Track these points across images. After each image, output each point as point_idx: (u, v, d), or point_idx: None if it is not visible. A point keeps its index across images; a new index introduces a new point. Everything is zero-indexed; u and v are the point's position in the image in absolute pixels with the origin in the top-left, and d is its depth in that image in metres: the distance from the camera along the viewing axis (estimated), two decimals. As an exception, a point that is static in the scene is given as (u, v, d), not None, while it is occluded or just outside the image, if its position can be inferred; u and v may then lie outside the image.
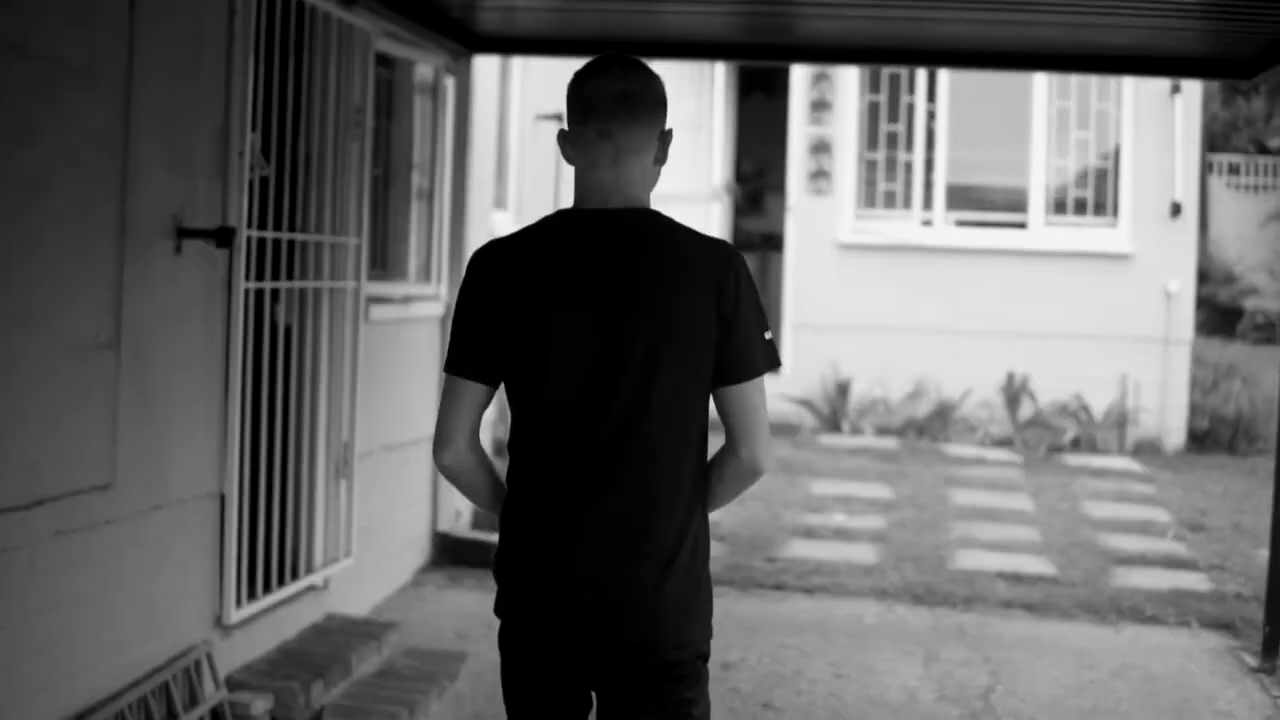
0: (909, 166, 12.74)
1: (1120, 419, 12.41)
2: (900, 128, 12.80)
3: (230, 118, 5.20)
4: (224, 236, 4.85)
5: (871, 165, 12.88)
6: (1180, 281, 12.46)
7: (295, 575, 6.16)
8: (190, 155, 5.04)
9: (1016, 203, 12.83)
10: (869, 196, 12.91)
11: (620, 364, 2.95)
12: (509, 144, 9.88)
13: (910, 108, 12.76)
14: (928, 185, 12.76)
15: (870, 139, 12.86)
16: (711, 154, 12.52)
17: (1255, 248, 19.51)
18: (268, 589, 5.86)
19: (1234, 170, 20.03)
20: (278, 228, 5.78)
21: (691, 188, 12.39)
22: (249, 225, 5.46)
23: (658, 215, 3.06)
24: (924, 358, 12.56)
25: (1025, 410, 12.50)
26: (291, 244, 6.00)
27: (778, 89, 13.37)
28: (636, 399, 2.95)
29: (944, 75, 12.64)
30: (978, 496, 10.24)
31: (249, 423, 5.63)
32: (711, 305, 2.96)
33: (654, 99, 3.05)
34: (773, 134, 13.24)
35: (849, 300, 12.58)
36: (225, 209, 5.17)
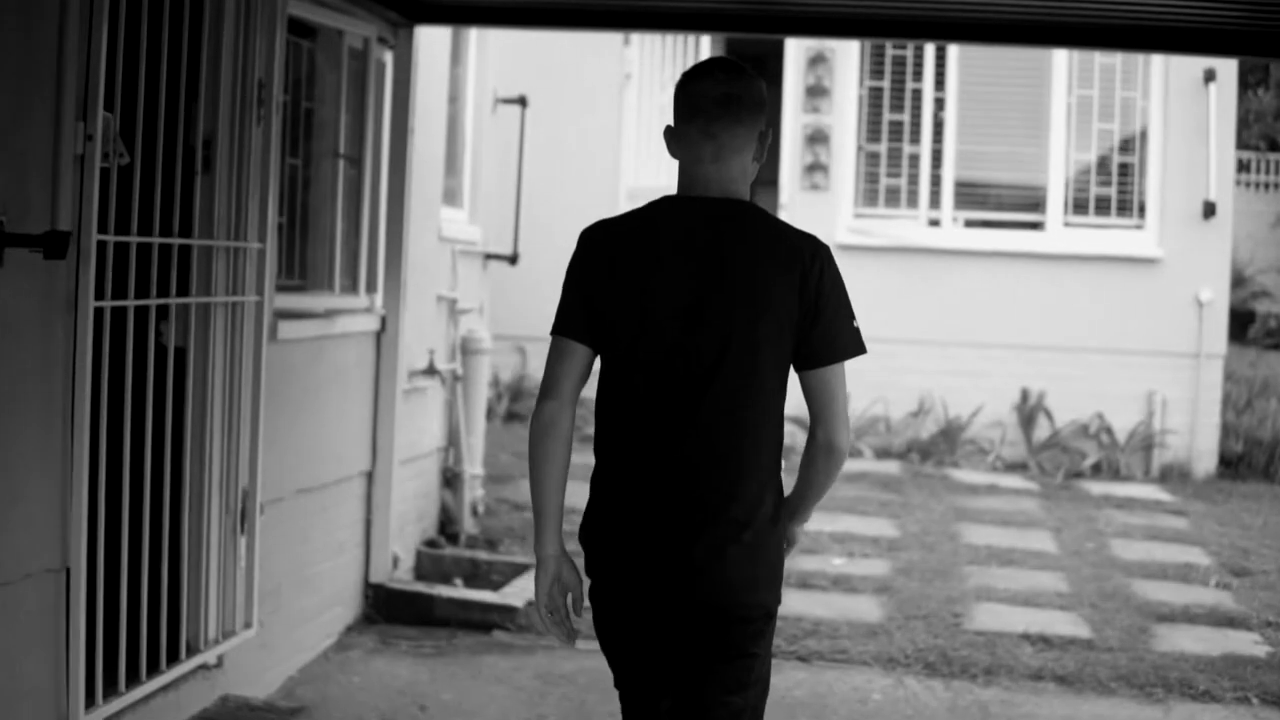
0: (914, 160, 11.68)
1: (1146, 441, 11.41)
2: (905, 117, 11.75)
3: (64, 94, 4.13)
4: (55, 244, 3.79)
5: (873, 158, 11.83)
6: (1213, 289, 11.45)
7: (178, 656, 5.11)
8: (9, 142, 3.97)
9: (1032, 201, 11.80)
10: (870, 193, 11.86)
11: (709, 342, 3.31)
12: (463, 131, 8.84)
13: (916, 95, 11.70)
14: (935, 181, 11.70)
15: (872, 129, 11.82)
16: None
17: (1266, 248, 18.67)
18: (137, 677, 4.81)
19: (1244, 167, 19.14)
20: (149, 231, 4.72)
21: (672, 183, 11.31)
22: (105, 229, 4.40)
23: (753, 206, 3.42)
24: (929, 372, 11.54)
25: (1041, 431, 11.48)
26: (181, 250, 4.96)
27: (771, 75, 12.30)
28: (722, 375, 3.31)
29: (953, 58, 11.60)
30: (992, 534, 9.21)
31: (117, 473, 4.59)
32: (797, 292, 3.33)
33: (754, 102, 3.41)
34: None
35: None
36: (55, 209, 4.09)
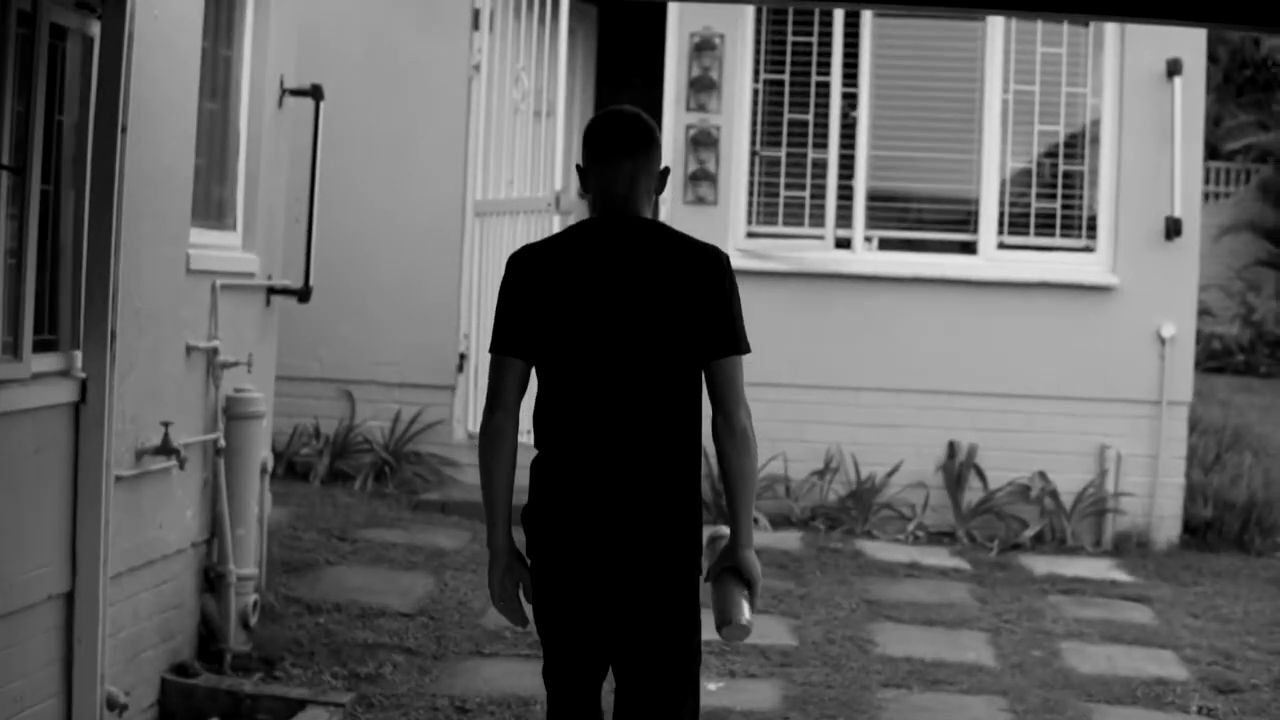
0: (820, 167, 9.94)
1: (1097, 506, 9.76)
2: (809, 116, 10.02)
3: None
4: None
5: (771, 165, 10.10)
6: (1177, 324, 9.84)
7: None
8: None
9: (961, 217, 10.14)
10: (767, 207, 10.13)
11: (634, 346, 4.02)
12: (236, 130, 7.01)
13: (823, 90, 9.97)
14: (844, 193, 9.98)
15: (770, 131, 10.09)
16: (554, 151, 9.65)
17: (1208, 263, 17.07)
18: None
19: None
20: None
21: (531, 194, 9.56)
22: None
23: (661, 224, 4.27)
24: (837, 423, 9.85)
25: (972, 493, 9.81)
26: None
27: (649, 66, 10.56)
28: (647, 373, 4.02)
29: (866, 45, 9.94)
30: (915, 639, 7.52)
31: None
32: (704, 296, 4.04)
33: (656, 142, 4.20)
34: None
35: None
36: None
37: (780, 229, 10.02)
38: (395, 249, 10.06)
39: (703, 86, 9.84)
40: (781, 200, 10.04)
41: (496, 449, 4.03)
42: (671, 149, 9.80)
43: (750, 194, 10.08)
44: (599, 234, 4.13)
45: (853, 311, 9.87)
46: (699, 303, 4.03)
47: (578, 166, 4.22)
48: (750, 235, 10.04)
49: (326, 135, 7.93)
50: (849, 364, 9.85)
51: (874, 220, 10.08)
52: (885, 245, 10.12)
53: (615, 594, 4.02)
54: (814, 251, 9.90)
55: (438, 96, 10.03)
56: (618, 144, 4.14)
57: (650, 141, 4.17)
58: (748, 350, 4.09)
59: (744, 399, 4.08)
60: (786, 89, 10.02)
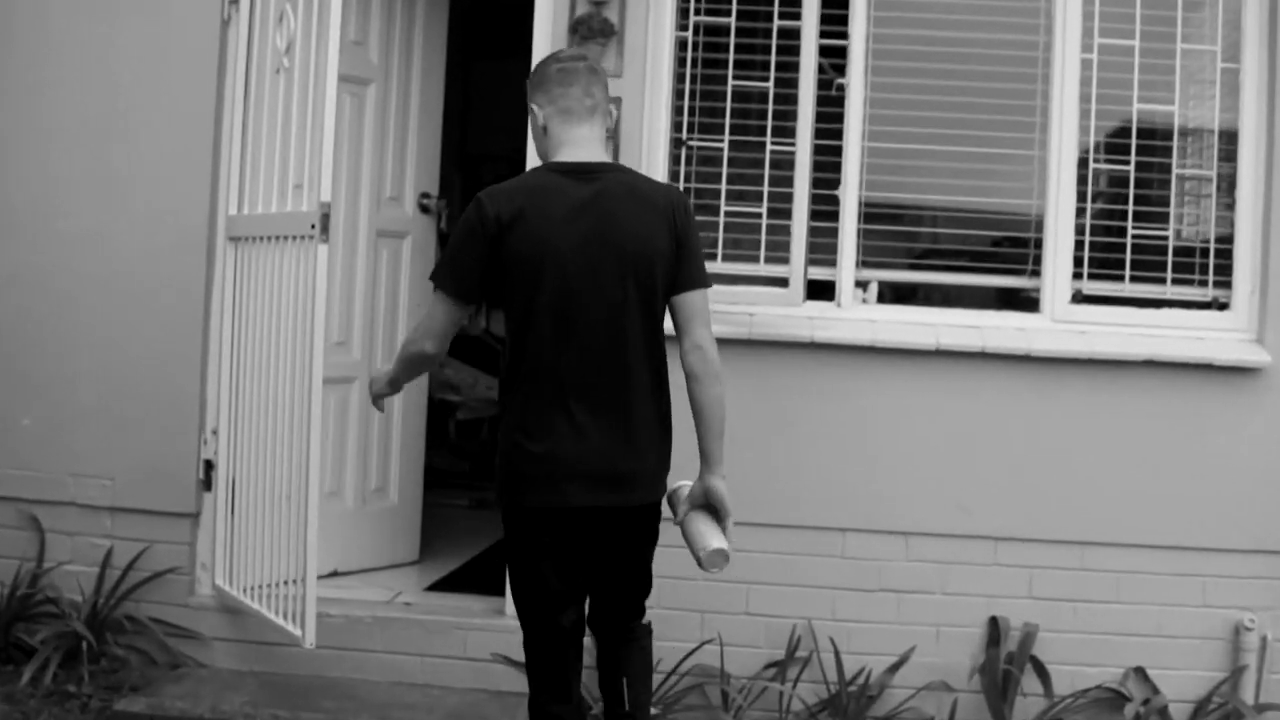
0: (785, 169, 6.22)
1: (1231, 725, 6.08)
2: (768, 85, 6.32)
3: None
4: None
5: (706, 164, 6.42)
6: (1365, 430, 6.12)
7: None
8: None
9: (1015, 252, 6.43)
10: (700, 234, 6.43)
11: (610, 282, 4.25)
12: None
13: (789, 41, 6.27)
14: (824, 211, 6.30)
15: (704, 109, 6.41)
16: (321, 137, 5.80)
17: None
18: None
19: None
20: None
21: (292, 209, 5.82)
22: None
23: (622, 166, 4.49)
24: (809, 585, 6.24)
25: (1030, 703, 6.15)
26: None
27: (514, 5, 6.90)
28: (625, 308, 4.27)
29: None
30: None
31: None
32: (669, 234, 4.34)
33: (603, 72, 4.52)
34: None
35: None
36: None
37: (718, 268, 6.30)
38: (106, 295, 6.44)
39: (592, 33, 6.14)
40: (721, 221, 6.33)
41: (415, 373, 4.70)
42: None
43: (670, 211, 6.37)
44: (568, 176, 4.31)
45: (835, 402, 6.19)
46: (668, 242, 4.34)
47: (533, 110, 4.44)
48: (669, 278, 6.34)
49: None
50: (827, 490, 6.18)
51: (871, 255, 6.39)
52: (890, 295, 6.42)
53: (610, 530, 4.40)
54: (773, 306, 6.20)
55: (171, 51, 6.36)
56: (583, 73, 4.42)
57: (603, 80, 4.48)
58: (709, 284, 4.46)
59: (709, 324, 4.41)
60: (731, 40, 6.33)
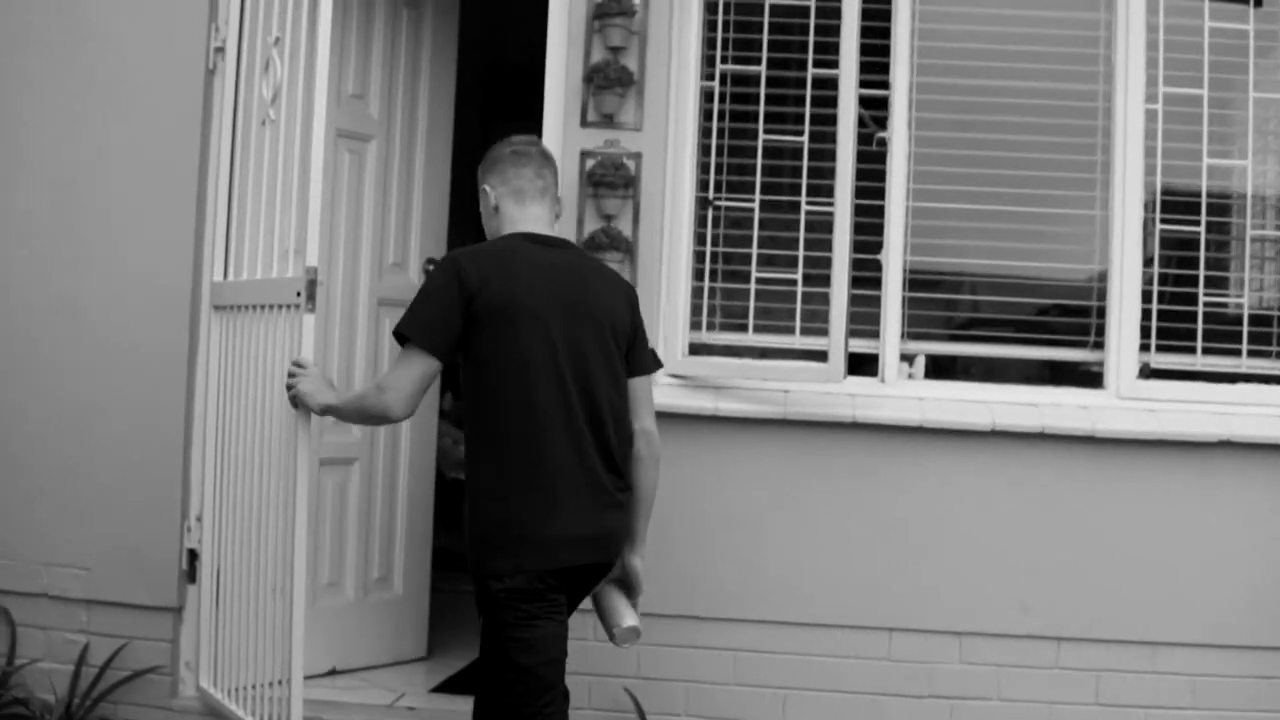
0: (821, 230, 5.66)
1: None
2: (802, 139, 5.78)
3: None
4: None
5: (734, 226, 5.88)
6: None
7: None
8: None
9: (1069, 323, 5.87)
10: (726, 300, 5.93)
11: (586, 348, 4.27)
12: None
13: (825, 91, 5.72)
14: (866, 278, 5.75)
15: (732, 166, 5.87)
16: (307, 196, 5.23)
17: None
18: None
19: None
20: None
21: (277, 274, 5.25)
22: None
23: (575, 246, 4.70)
24: (857, 692, 5.62)
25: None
26: None
27: (528, 43, 6.39)
28: (597, 374, 4.29)
29: (904, 18, 5.75)
30: None
31: None
32: (628, 317, 4.45)
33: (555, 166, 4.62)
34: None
35: (672, 544, 5.58)
36: None
37: (748, 339, 5.75)
38: (81, 368, 5.92)
39: (609, 82, 5.62)
40: (752, 289, 5.78)
41: (365, 423, 4.83)
42: (560, 188, 5.60)
43: (696, 276, 5.84)
44: (532, 245, 4.37)
45: (879, 488, 5.63)
46: (629, 323, 4.46)
47: (484, 191, 4.52)
48: (695, 350, 5.79)
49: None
50: (871, 585, 5.61)
51: (918, 326, 5.84)
52: (936, 370, 5.86)
53: (585, 587, 4.41)
54: (810, 382, 5.62)
55: (153, 100, 5.87)
56: (536, 157, 4.54)
57: (554, 166, 4.60)
58: (659, 368, 4.58)
59: (654, 411, 4.52)
60: (761, 90, 5.79)
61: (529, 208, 4.46)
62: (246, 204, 5.51)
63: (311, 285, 4.92)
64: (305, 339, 4.91)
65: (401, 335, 4.23)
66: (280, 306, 5.17)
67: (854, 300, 5.50)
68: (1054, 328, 5.88)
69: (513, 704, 4.19)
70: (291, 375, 4.83)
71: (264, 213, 5.40)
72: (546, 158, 4.54)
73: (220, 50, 5.82)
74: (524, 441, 4.18)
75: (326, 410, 4.63)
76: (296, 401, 4.82)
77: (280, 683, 5.37)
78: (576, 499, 4.22)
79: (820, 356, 5.56)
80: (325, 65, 4.94)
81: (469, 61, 7.15)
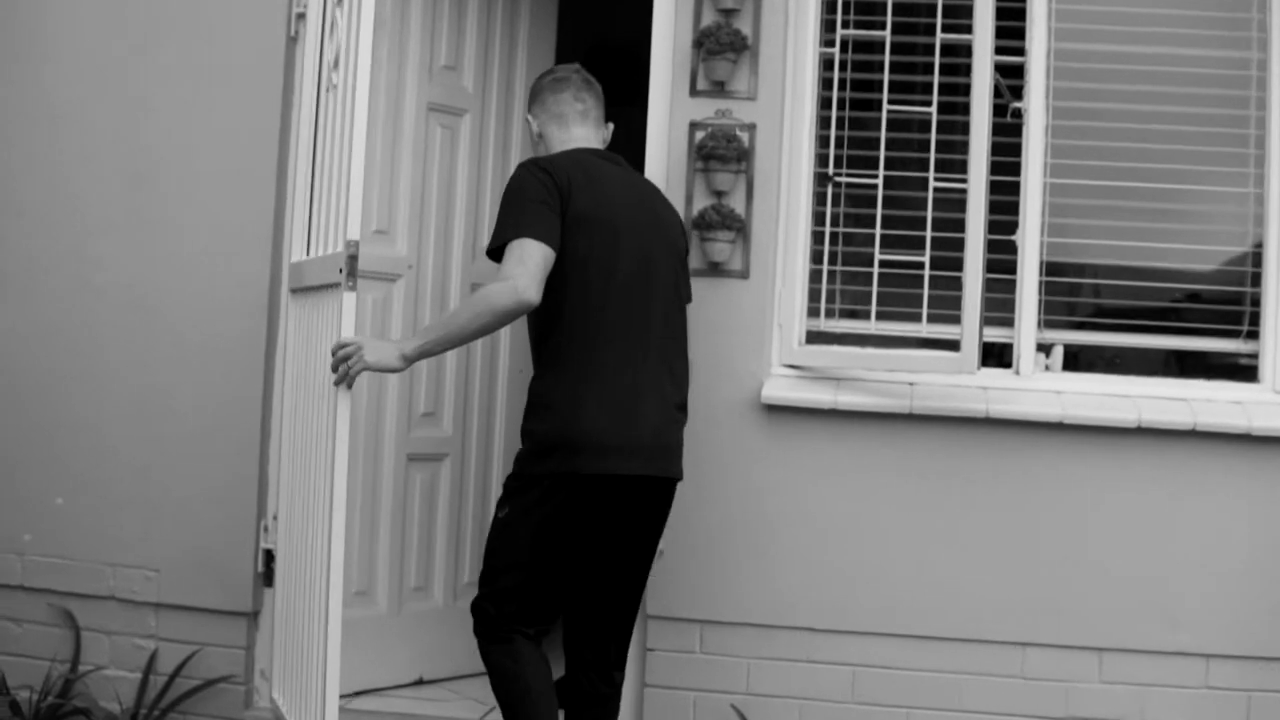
0: (952, 209, 5.20)
1: None
2: (931, 110, 5.31)
3: None
4: None
5: (856, 204, 5.43)
6: None
7: None
8: None
9: (1225, 310, 5.40)
10: (846, 286, 5.47)
11: (658, 271, 4.32)
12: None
13: (955, 58, 5.27)
14: (1001, 262, 5.29)
15: (853, 138, 5.42)
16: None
17: None
18: None
19: None
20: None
21: (330, 249, 4.80)
22: None
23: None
24: (986, 713, 5.19)
25: None
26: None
27: (634, 12, 5.98)
28: (669, 291, 4.36)
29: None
30: None
31: None
32: (684, 238, 4.62)
33: (600, 88, 4.63)
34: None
35: (785, 549, 5.16)
36: None
37: (871, 328, 5.30)
38: (154, 363, 5.57)
39: (721, 47, 5.19)
40: (875, 272, 5.32)
41: (484, 333, 4.20)
42: (666, 162, 5.20)
43: (814, 258, 5.40)
44: (604, 163, 4.38)
45: (1013, 489, 5.19)
46: (684, 248, 4.61)
47: (529, 118, 4.56)
48: (812, 339, 5.36)
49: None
50: (1005, 597, 5.16)
51: (1055, 315, 5.38)
52: (1075, 362, 5.40)
53: (650, 504, 4.34)
54: (938, 374, 5.18)
55: (233, 74, 5.50)
56: (577, 81, 4.57)
57: (596, 91, 4.63)
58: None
59: None
60: (886, 57, 5.33)
61: (572, 129, 4.48)
62: (324, 178, 5.10)
63: (352, 260, 4.45)
64: (346, 320, 4.43)
65: (499, 248, 4.13)
66: (324, 288, 4.76)
67: (991, 287, 5.05)
68: (1201, 316, 5.41)
69: (517, 612, 4.29)
70: (346, 359, 4.30)
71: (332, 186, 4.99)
72: (589, 83, 4.55)
73: (302, 16, 5.43)
74: (599, 344, 4.18)
75: (418, 354, 4.22)
76: (351, 378, 4.31)
77: (356, 694, 4.99)
78: (650, 412, 4.22)
79: (948, 346, 5.11)
80: (370, 19, 4.50)
81: (571, 42, 6.74)
